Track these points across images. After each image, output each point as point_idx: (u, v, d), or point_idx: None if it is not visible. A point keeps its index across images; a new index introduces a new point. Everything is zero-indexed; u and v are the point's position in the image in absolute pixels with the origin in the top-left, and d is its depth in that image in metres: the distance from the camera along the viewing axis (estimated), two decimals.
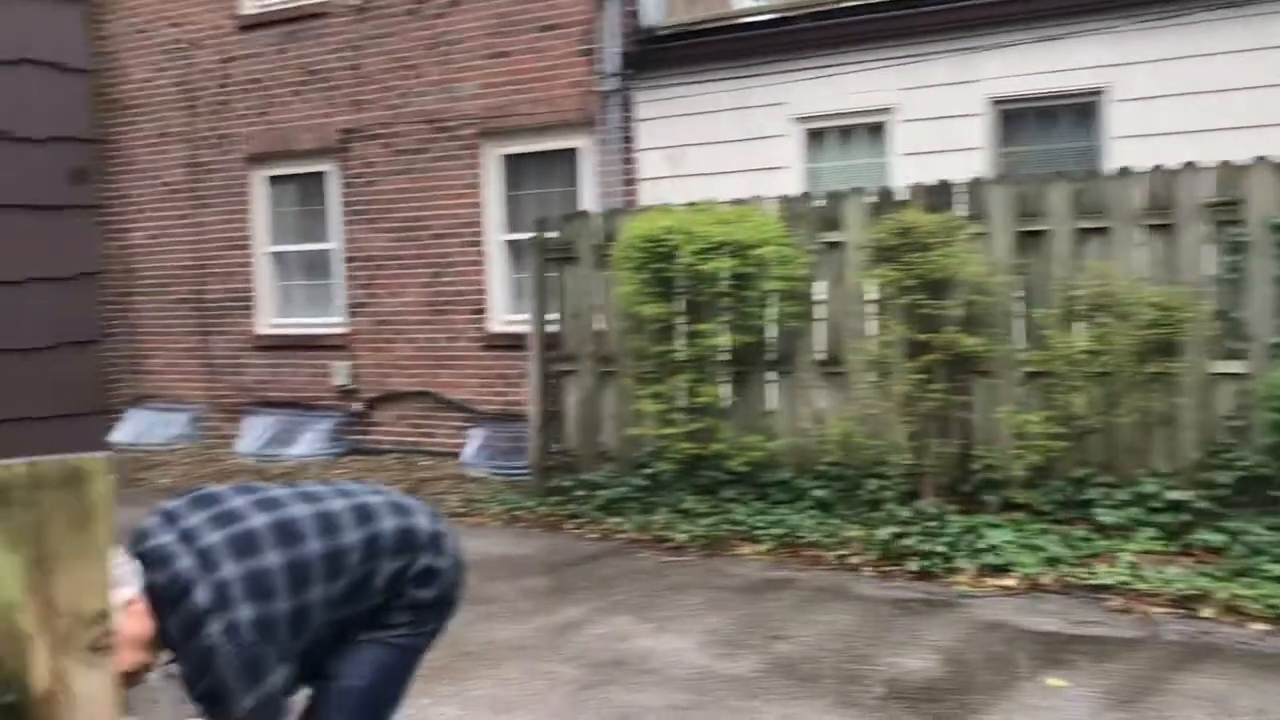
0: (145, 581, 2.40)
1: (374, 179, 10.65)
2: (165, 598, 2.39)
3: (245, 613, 2.40)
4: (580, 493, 8.02)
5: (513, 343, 9.78)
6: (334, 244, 11.02)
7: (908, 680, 4.77)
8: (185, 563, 2.42)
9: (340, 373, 10.83)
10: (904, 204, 7.02)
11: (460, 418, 10.25)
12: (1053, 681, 4.67)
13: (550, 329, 8.40)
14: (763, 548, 6.84)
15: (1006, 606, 5.69)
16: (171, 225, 11.97)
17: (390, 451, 10.45)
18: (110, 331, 11.76)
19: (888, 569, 6.35)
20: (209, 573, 2.41)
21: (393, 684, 2.84)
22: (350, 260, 10.87)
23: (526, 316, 8.81)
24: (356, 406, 10.79)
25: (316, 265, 11.31)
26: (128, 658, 2.32)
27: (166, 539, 2.47)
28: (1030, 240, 6.76)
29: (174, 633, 2.39)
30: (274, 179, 11.43)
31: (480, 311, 10.19)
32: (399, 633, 2.78)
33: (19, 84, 4.92)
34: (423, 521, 2.85)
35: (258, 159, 11.35)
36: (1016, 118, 8.14)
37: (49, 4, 5.06)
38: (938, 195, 6.99)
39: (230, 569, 2.43)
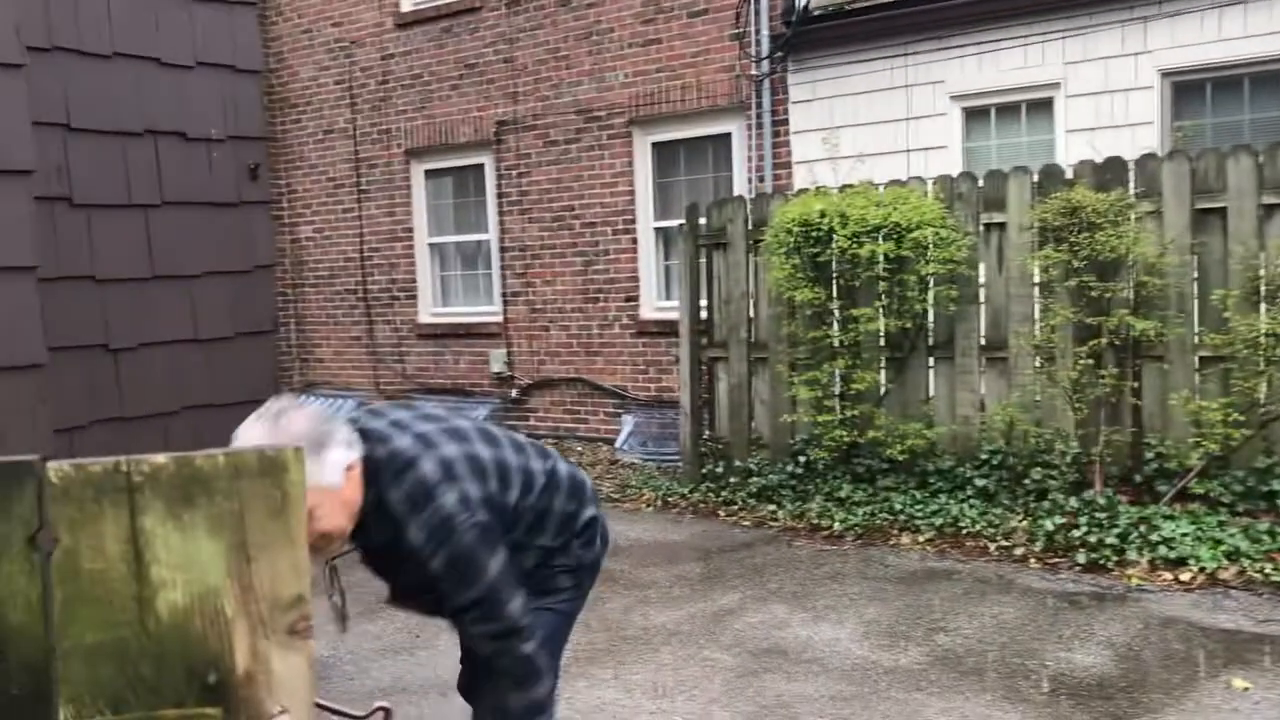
0: (363, 452, 2.43)
1: (527, 170, 10.83)
2: (386, 469, 2.43)
3: (472, 488, 2.47)
4: (733, 479, 8.00)
5: (664, 329, 9.83)
6: (490, 234, 11.26)
7: (1077, 676, 4.60)
8: (405, 441, 2.48)
9: (497, 360, 11.07)
10: (1070, 182, 6.75)
11: (612, 404, 10.35)
12: (1237, 682, 4.43)
13: (701, 315, 8.39)
14: (922, 537, 6.70)
15: (1183, 602, 5.43)
16: (337, 219, 12.43)
17: (545, 437, 10.63)
18: (281, 322, 12.29)
19: (1054, 561, 6.14)
20: (431, 450, 2.47)
21: (557, 648, 2.90)
22: (505, 250, 11.08)
23: (677, 303, 8.82)
24: (512, 393, 11.01)
25: (473, 255, 11.58)
26: (336, 521, 2.38)
27: (379, 424, 2.54)
28: (1207, 218, 6.41)
29: (398, 505, 2.42)
30: (431, 172, 11.74)
31: (632, 299, 10.26)
32: (563, 598, 2.84)
33: (197, 86, 5.17)
34: (586, 479, 2.97)
35: (417, 153, 11.67)
36: (1190, 90, 7.73)
37: (223, 8, 5.30)
38: (1107, 172, 6.69)
39: (450, 449, 2.50)
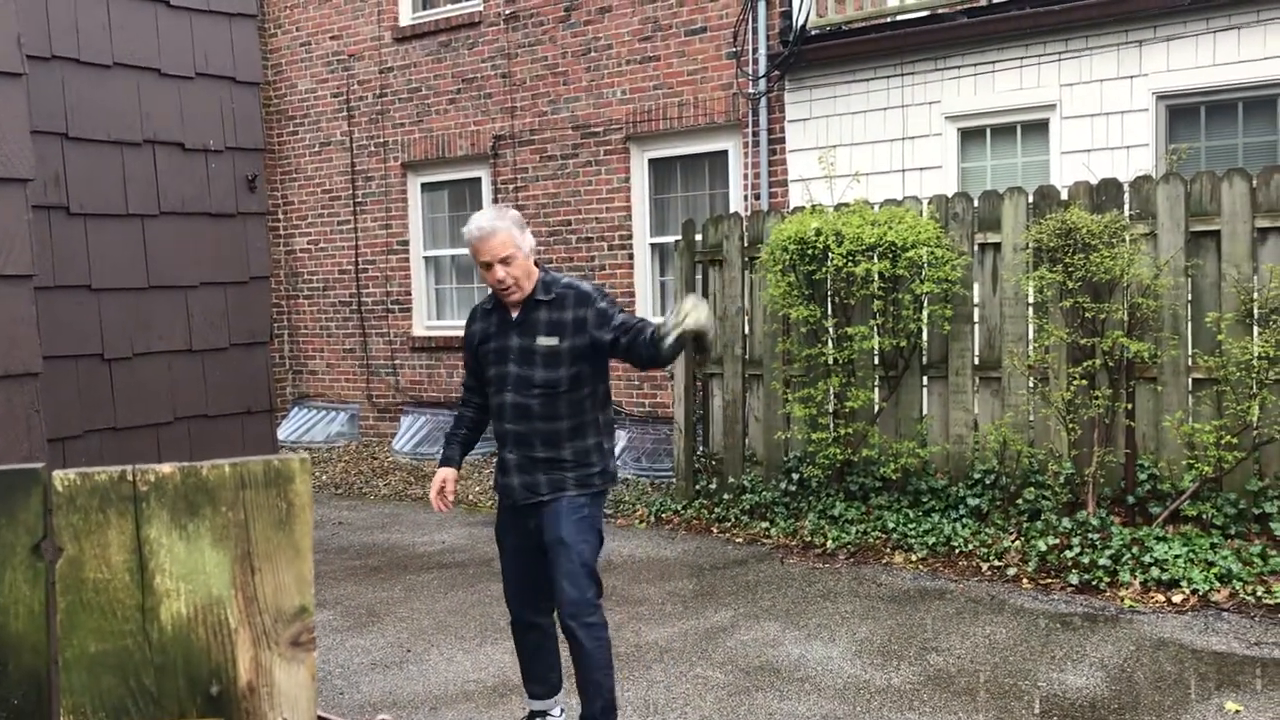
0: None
1: (524, 184, 10.84)
2: (552, 277, 4.03)
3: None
4: (726, 496, 7.99)
5: None
6: None
7: (1070, 698, 4.60)
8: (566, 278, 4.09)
9: None
10: (1065, 204, 6.77)
11: None
12: (1230, 705, 4.43)
13: None
14: (915, 556, 6.70)
15: (1175, 624, 5.43)
16: (332, 231, 12.43)
17: None
18: (275, 334, 12.27)
19: (1047, 581, 6.14)
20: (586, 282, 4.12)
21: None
22: None
23: None
24: None
25: (469, 269, 11.58)
26: (524, 270, 3.91)
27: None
28: (1201, 241, 6.44)
29: (567, 283, 4.00)
30: (427, 185, 11.75)
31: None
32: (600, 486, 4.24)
33: (196, 97, 5.17)
34: None
35: (413, 166, 11.69)
36: (1184, 113, 7.78)
37: (224, 20, 5.30)
38: (1102, 194, 6.72)
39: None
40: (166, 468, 0.89)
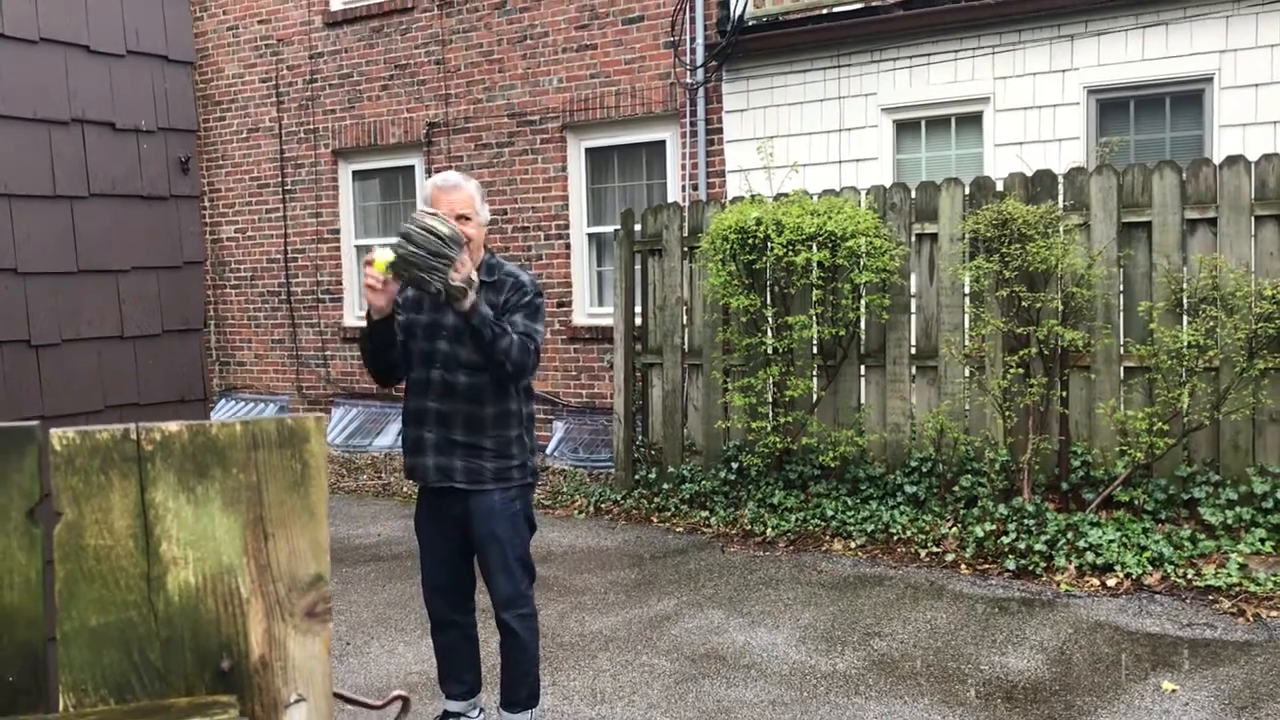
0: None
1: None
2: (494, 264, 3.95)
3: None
4: (666, 486, 7.98)
5: (596, 335, 9.78)
6: None
7: (1011, 680, 4.66)
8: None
9: None
10: (1001, 195, 6.86)
11: (543, 410, 10.26)
12: (1166, 684, 4.52)
13: (636, 321, 8.36)
14: (854, 544, 6.75)
15: (1109, 606, 5.54)
16: (260, 219, 12.17)
17: None
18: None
19: (984, 567, 6.22)
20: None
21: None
22: None
23: (609, 309, 8.77)
24: None
25: None
26: (477, 235, 3.83)
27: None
28: (1133, 231, 6.57)
29: (508, 268, 3.92)
30: (359, 173, 11.55)
31: (564, 304, 10.19)
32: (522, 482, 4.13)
33: (128, 76, 5.00)
34: None
35: (345, 153, 11.48)
36: (1114, 107, 7.93)
37: None
38: (1036, 185, 6.82)
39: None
40: (173, 426, 0.83)
